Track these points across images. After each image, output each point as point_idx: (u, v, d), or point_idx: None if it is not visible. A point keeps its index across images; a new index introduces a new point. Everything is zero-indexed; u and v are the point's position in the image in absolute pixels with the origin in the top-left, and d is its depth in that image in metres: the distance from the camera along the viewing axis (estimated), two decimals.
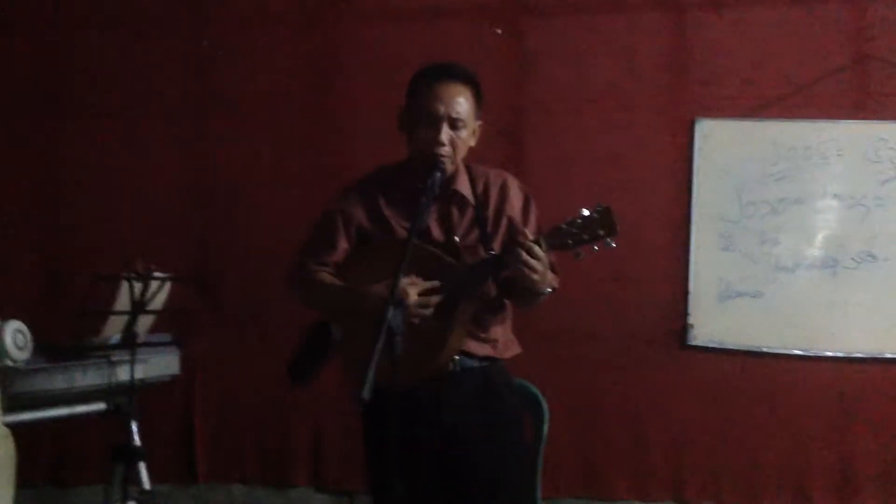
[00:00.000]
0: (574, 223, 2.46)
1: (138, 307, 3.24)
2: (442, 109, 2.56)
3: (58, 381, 3.14)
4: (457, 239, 2.62)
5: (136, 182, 4.28)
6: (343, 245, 2.67)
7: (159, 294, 3.28)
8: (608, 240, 2.46)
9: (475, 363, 2.64)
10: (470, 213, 2.65)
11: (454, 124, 2.57)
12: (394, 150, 2.68)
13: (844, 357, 3.87)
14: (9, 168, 4.36)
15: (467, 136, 2.61)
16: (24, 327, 2.93)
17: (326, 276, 2.66)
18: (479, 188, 2.67)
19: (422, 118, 2.57)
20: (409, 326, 2.33)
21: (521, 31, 4.10)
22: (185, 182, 4.32)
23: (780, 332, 3.91)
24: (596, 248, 2.47)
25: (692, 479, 4.00)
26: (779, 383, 3.93)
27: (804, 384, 3.92)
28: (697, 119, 3.95)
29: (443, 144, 2.56)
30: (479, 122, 2.65)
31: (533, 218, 2.69)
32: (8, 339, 2.85)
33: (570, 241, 2.46)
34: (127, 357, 3.25)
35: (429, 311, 2.49)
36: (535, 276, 2.46)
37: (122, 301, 3.24)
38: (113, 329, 3.27)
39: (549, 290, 2.60)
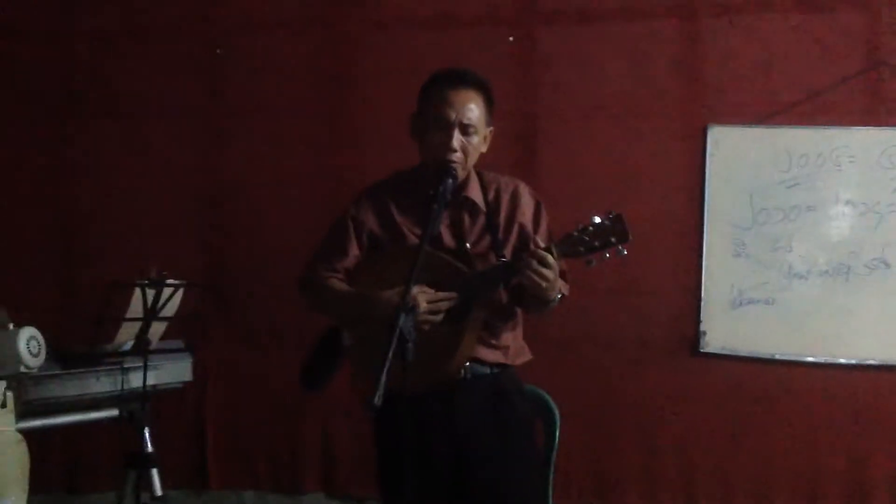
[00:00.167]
0: (586, 230, 2.47)
1: (151, 314, 3.25)
2: (453, 116, 2.56)
3: (71, 388, 3.15)
4: (468, 245, 2.63)
5: (150, 188, 4.29)
6: (354, 251, 2.68)
7: (172, 301, 3.29)
8: (620, 247, 2.46)
9: (486, 370, 2.64)
10: (481, 219, 2.65)
11: (465, 130, 2.58)
12: (407, 155, 2.69)
13: (857, 364, 3.85)
14: (23, 174, 4.37)
15: (479, 143, 2.62)
16: (38, 334, 2.94)
17: (337, 283, 2.66)
18: (491, 195, 2.67)
19: (433, 124, 2.58)
20: (421, 333, 2.33)
21: (534, 38, 4.10)
22: (199, 189, 4.33)
23: (793, 338, 3.90)
24: (608, 255, 2.47)
25: (704, 486, 3.98)
26: (791, 390, 3.91)
27: (816, 391, 3.90)
28: (710, 126, 3.94)
29: (454, 150, 2.56)
30: (491, 129, 2.66)
31: (544, 225, 2.69)
32: (22, 346, 2.86)
33: (582, 249, 2.47)
34: (139, 364, 3.26)
35: (439, 318, 2.50)
36: (546, 284, 2.46)
37: (135, 308, 3.25)
38: (126, 336, 3.28)
39: (560, 297, 2.60)
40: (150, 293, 3.23)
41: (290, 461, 4.23)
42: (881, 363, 3.84)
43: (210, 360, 4.13)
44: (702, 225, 3.96)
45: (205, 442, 4.26)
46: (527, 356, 2.75)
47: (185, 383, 3.60)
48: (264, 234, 4.21)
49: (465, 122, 2.57)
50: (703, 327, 3.95)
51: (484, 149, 2.65)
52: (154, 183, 4.30)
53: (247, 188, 4.27)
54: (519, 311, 2.71)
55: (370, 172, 2.83)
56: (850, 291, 3.85)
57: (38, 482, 2.97)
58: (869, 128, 3.84)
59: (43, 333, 2.96)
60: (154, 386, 3.36)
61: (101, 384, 3.21)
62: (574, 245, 2.47)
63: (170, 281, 3.27)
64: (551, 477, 2.91)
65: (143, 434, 3.34)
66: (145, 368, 3.25)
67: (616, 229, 2.45)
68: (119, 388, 3.26)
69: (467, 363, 2.60)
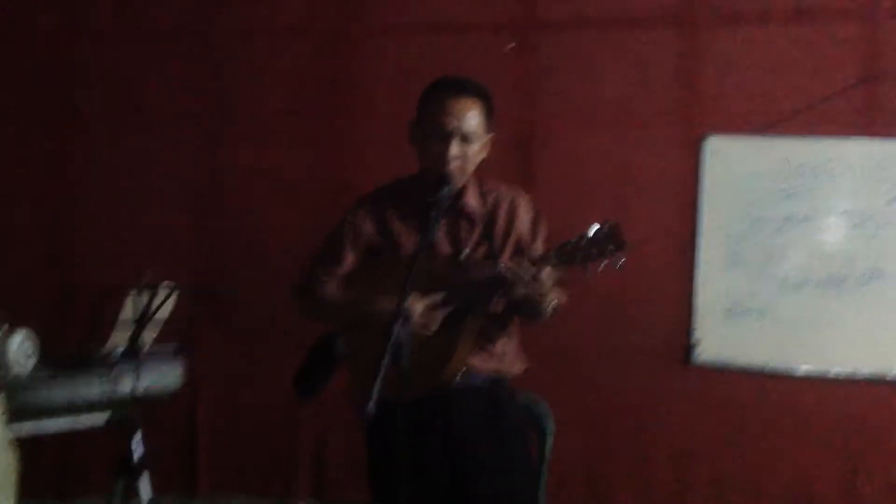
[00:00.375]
0: (583, 239, 2.46)
1: (143, 318, 3.23)
2: (452, 124, 2.56)
3: (61, 392, 3.12)
4: (464, 253, 2.62)
5: (145, 193, 4.28)
6: (350, 258, 2.68)
7: (165, 305, 3.27)
8: (617, 256, 2.46)
9: (481, 378, 2.64)
10: (478, 228, 2.65)
11: (465, 139, 2.57)
12: (407, 162, 2.68)
13: (850, 375, 3.85)
14: (19, 178, 4.36)
15: (478, 151, 2.62)
16: (32, 334, 2.92)
17: (333, 290, 2.66)
18: (489, 204, 2.67)
19: (432, 133, 2.57)
20: (416, 340, 2.32)
21: (533, 46, 4.09)
22: (194, 193, 4.31)
23: (787, 349, 3.89)
24: (604, 264, 2.47)
25: (697, 496, 3.98)
26: (785, 401, 3.91)
27: (810, 402, 3.90)
28: (707, 135, 3.94)
29: (453, 159, 2.56)
30: (491, 136, 2.65)
31: (542, 235, 2.69)
32: (14, 349, 2.85)
33: (579, 257, 2.46)
34: (131, 368, 3.24)
35: (435, 326, 2.49)
36: (540, 293, 2.46)
37: (128, 312, 3.23)
38: (118, 340, 3.26)
39: (556, 305, 2.60)
40: (143, 297, 3.22)
41: (281, 467, 4.22)
42: (874, 375, 3.84)
43: (202, 365, 4.11)
44: (697, 234, 3.95)
45: (196, 447, 4.25)
46: (522, 365, 2.75)
47: (178, 388, 3.58)
48: (260, 239, 4.21)
49: (465, 130, 2.56)
50: (696, 337, 3.95)
51: (483, 156, 2.65)
52: (151, 188, 4.28)
53: (243, 193, 4.26)
54: (515, 319, 2.70)
55: (368, 178, 2.83)
56: (844, 303, 3.85)
57: (28, 487, 2.94)
58: (865, 139, 3.84)
59: (38, 336, 2.94)
60: (146, 391, 3.34)
61: (91, 389, 3.18)
62: (570, 254, 2.46)
63: (163, 285, 3.25)
64: (544, 484, 2.91)
65: (133, 439, 3.31)
66: (137, 373, 3.23)
67: (613, 238, 2.45)
68: (110, 393, 3.23)
69: (462, 371, 2.60)
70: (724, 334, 3.93)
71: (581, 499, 4.03)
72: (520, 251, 2.62)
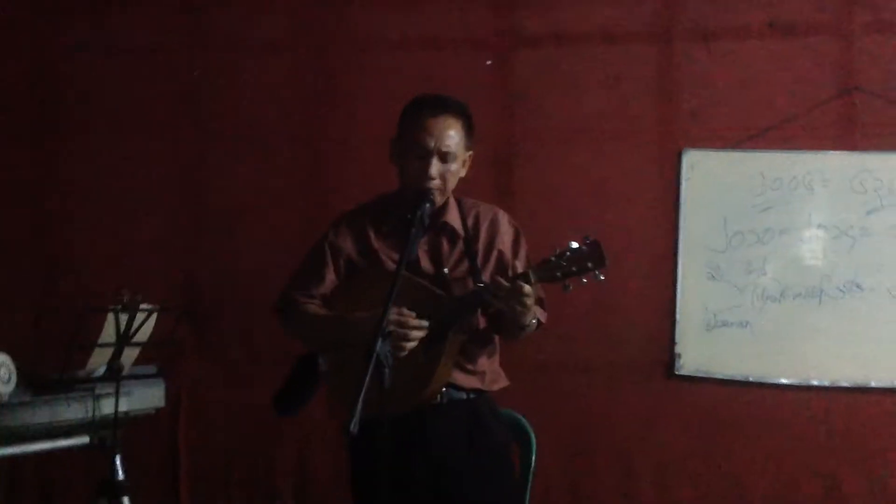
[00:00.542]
0: (563, 256, 2.47)
1: (124, 339, 3.21)
2: (432, 143, 2.56)
3: (41, 415, 3.09)
4: (446, 271, 2.63)
5: (125, 211, 4.25)
6: (331, 277, 2.68)
7: (145, 325, 3.25)
8: (597, 272, 2.47)
9: (463, 395, 2.64)
10: (460, 245, 2.65)
11: (445, 158, 2.58)
12: (388, 179, 2.69)
13: (831, 386, 3.87)
14: None
15: (458, 169, 2.63)
16: (8, 360, 2.90)
17: (314, 308, 2.66)
18: (470, 221, 2.68)
19: (413, 151, 2.58)
20: (397, 358, 2.32)
21: (511, 62, 4.11)
22: (175, 211, 4.28)
23: (767, 361, 3.91)
24: (584, 280, 2.48)
25: None
26: (765, 412, 3.92)
27: (791, 413, 3.91)
28: (685, 149, 3.96)
29: (433, 178, 2.57)
30: (470, 153, 2.66)
31: (523, 252, 2.70)
32: None
33: (559, 274, 2.47)
34: (111, 390, 3.22)
35: (416, 343, 2.49)
36: (521, 309, 2.47)
37: (108, 333, 3.21)
38: (98, 361, 3.23)
39: (536, 323, 2.60)
40: (123, 318, 3.20)
41: (264, 486, 4.19)
42: (854, 385, 3.86)
43: (184, 386, 4.09)
44: (676, 248, 3.97)
45: (178, 468, 4.21)
46: (503, 382, 2.75)
47: (159, 409, 3.55)
48: (241, 258, 4.18)
49: (444, 149, 2.57)
50: (677, 350, 3.96)
51: (463, 173, 2.66)
52: (130, 205, 4.26)
53: (224, 210, 4.24)
54: (496, 336, 2.71)
55: (349, 195, 2.84)
56: (823, 314, 3.87)
57: None
58: (842, 152, 3.87)
59: (15, 359, 2.92)
60: (126, 412, 3.31)
61: (72, 411, 3.15)
62: (551, 270, 2.47)
63: (143, 306, 3.23)
64: (527, 501, 2.91)
65: (114, 461, 3.28)
66: (117, 395, 3.20)
67: (593, 255, 2.46)
68: (91, 414, 3.20)
69: (444, 388, 2.60)
70: (704, 347, 3.94)
71: None
72: (501, 268, 2.63)
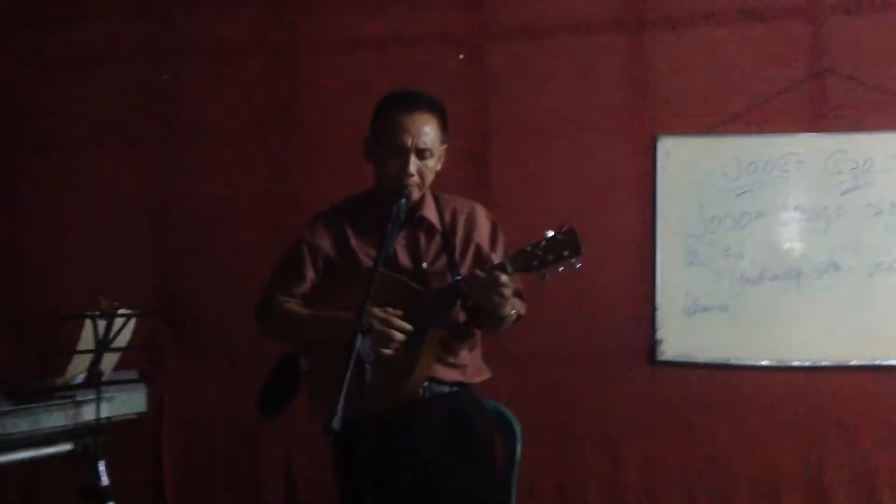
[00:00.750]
0: (539, 245, 2.47)
1: (102, 345, 3.20)
2: (409, 141, 2.56)
3: (23, 424, 3.08)
4: (425, 265, 2.62)
5: (98, 217, 4.24)
6: (310, 276, 2.67)
7: (124, 331, 3.24)
8: (573, 260, 2.47)
9: (445, 389, 2.64)
10: (438, 239, 2.65)
11: (421, 154, 2.58)
12: (360, 178, 2.68)
13: (811, 366, 3.89)
14: None
15: (434, 164, 2.62)
16: None
17: (295, 307, 2.65)
18: (447, 216, 2.68)
19: (389, 149, 2.58)
20: (378, 355, 2.32)
21: (483, 56, 4.11)
22: (150, 216, 4.28)
23: (748, 343, 3.93)
24: (561, 269, 2.48)
25: (666, 495, 3.99)
26: (748, 394, 3.94)
27: (773, 394, 3.93)
28: (659, 137, 3.97)
29: (411, 175, 2.56)
30: (445, 146, 2.66)
31: (500, 246, 2.70)
32: None
33: (536, 263, 2.47)
34: (92, 396, 3.21)
35: (397, 338, 2.48)
36: (500, 300, 2.46)
37: (87, 339, 3.19)
38: (77, 368, 3.22)
39: (516, 314, 2.60)
40: (102, 324, 3.18)
41: (249, 488, 4.19)
42: (834, 364, 3.88)
43: (165, 389, 4.08)
44: (654, 234, 3.98)
45: (161, 473, 4.20)
46: (485, 374, 2.75)
47: (141, 414, 3.55)
48: (217, 261, 4.18)
49: (421, 146, 2.57)
50: (659, 336, 3.98)
51: (439, 167, 2.66)
52: (104, 211, 4.24)
53: (198, 214, 4.23)
54: (477, 329, 2.71)
55: (322, 196, 2.82)
56: (802, 295, 3.89)
57: None
58: (815, 134, 3.89)
59: None
60: (108, 418, 3.30)
61: (53, 418, 3.15)
62: (527, 260, 2.47)
63: (121, 311, 3.22)
64: (513, 492, 2.91)
65: (97, 467, 3.28)
66: (98, 401, 3.20)
67: (569, 243, 2.46)
68: (72, 421, 3.20)
69: (426, 383, 2.59)
70: (685, 332, 3.96)
71: (551, 503, 4.03)
72: (479, 262, 2.62)
